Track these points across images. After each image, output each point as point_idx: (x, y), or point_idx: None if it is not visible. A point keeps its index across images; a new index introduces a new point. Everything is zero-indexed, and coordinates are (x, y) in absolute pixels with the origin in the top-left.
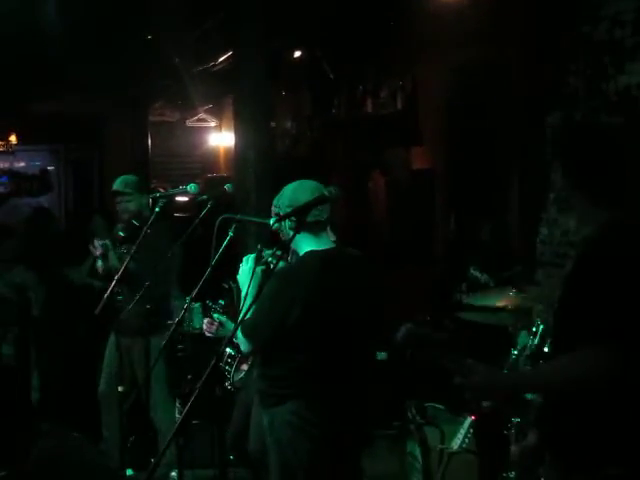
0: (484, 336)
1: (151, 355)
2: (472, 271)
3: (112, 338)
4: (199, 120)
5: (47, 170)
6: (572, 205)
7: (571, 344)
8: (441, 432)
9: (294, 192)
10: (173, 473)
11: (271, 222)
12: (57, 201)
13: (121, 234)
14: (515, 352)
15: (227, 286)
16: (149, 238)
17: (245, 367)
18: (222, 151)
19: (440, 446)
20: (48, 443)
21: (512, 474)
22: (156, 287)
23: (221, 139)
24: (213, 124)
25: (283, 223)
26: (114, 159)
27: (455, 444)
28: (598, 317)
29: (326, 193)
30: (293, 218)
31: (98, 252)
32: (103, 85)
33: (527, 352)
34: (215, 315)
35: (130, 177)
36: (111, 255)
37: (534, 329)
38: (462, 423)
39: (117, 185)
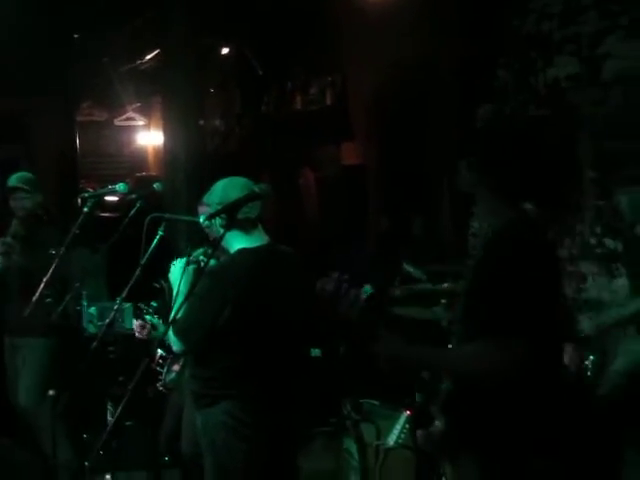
0: (418, 331)
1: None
2: (405, 266)
3: (38, 342)
4: (127, 119)
5: None
6: (477, 199)
7: (474, 334)
8: (377, 428)
9: (224, 189)
10: (108, 476)
11: (201, 220)
12: None
13: (19, 232)
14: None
15: (159, 286)
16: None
17: (177, 368)
18: (151, 150)
19: (376, 442)
20: None
21: (449, 469)
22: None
23: (150, 138)
24: (142, 123)
25: (213, 221)
26: (42, 158)
27: (391, 440)
28: (498, 311)
29: (256, 190)
30: (223, 215)
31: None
32: (29, 84)
33: None
34: (147, 317)
35: (27, 174)
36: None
37: None
38: (397, 419)
39: (14, 181)
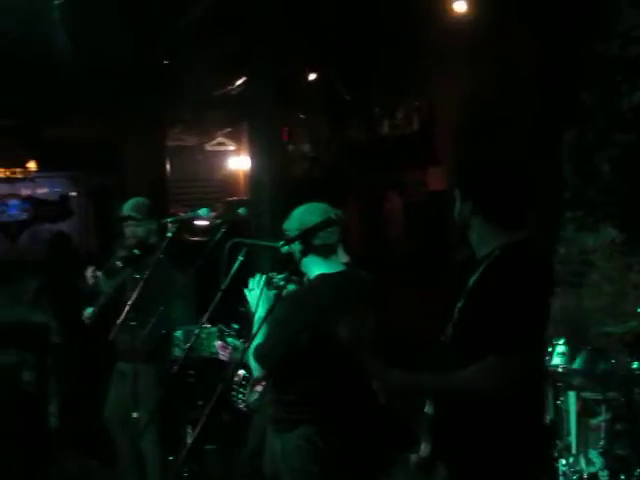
0: None
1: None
2: None
3: (122, 364)
4: (218, 144)
5: (67, 196)
6: (471, 228)
7: (471, 353)
8: None
9: (302, 215)
10: None
11: (280, 246)
12: (77, 227)
13: (118, 264)
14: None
15: (244, 309)
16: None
17: (259, 388)
18: (241, 175)
19: None
20: (64, 471)
21: None
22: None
23: (240, 163)
24: (232, 148)
25: (293, 246)
26: (133, 183)
27: None
28: (499, 329)
29: (332, 216)
30: (300, 241)
31: (90, 282)
32: (121, 111)
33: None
34: (229, 339)
35: (142, 200)
36: (101, 286)
37: (550, 349)
38: None
39: (127, 209)
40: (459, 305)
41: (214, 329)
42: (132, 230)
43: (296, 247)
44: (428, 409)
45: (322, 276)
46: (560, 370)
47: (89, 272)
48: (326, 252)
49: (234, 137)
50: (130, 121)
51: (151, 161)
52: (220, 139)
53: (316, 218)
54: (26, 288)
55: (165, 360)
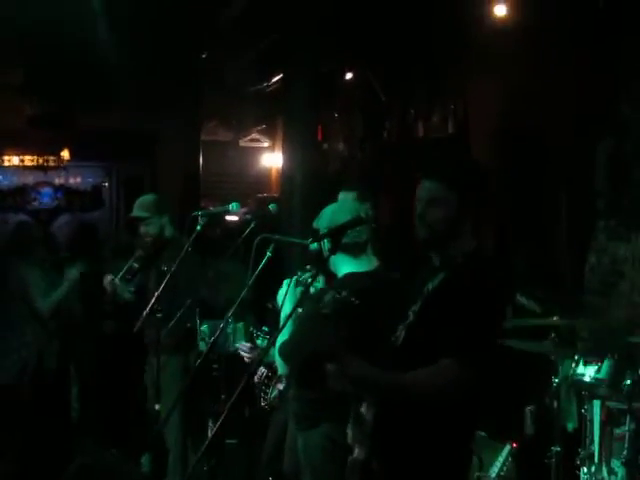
0: (527, 363)
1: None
2: (518, 297)
3: (172, 359)
4: (252, 140)
5: (99, 186)
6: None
7: (425, 356)
8: (479, 459)
9: (333, 213)
10: None
11: (309, 243)
12: (109, 217)
13: (135, 265)
14: (557, 380)
15: (271, 306)
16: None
17: (281, 386)
18: (274, 172)
19: (478, 474)
20: (85, 460)
21: None
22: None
23: (273, 160)
24: (266, 144)
25: (323, 244)
26: (166, 176)
27: (493, 472)
28: (457, 334)
29: (362, 215)
30: (330, 239)
31: (108, 289)
32: (157, 103)
33: (569, 381)
34: (258, 341)
35: (147, 198)
36: (119, 290)
37: (576, 358)
38: (501, 450)
39: (135, 210)
40: (414, 308)
41: (240, 325)
42: (144, 229)
43: (326, 245)
44: (365, 412)
45: (350, 274)
46: (586, 379)
47: (107, 280)
48: (355, 251)
49: (268, 134)
50: (166, 114)
51: (185, 154)
52: (254, 135)
53: (346, 216)
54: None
55: (191, 353)
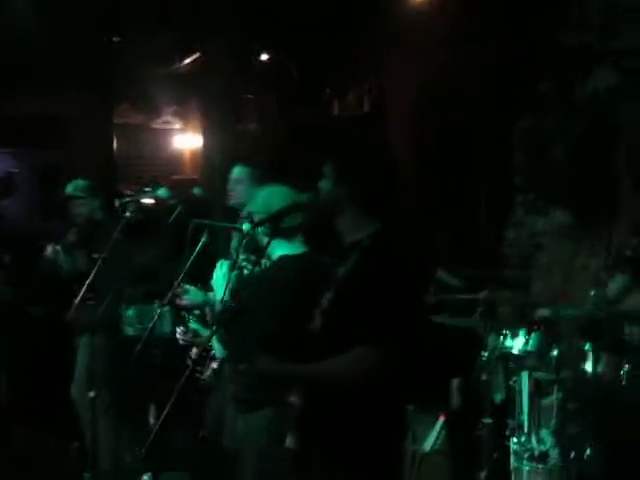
0: (454, 338)
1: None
2: (440, 273)
3: (84, 340)
4: (164, 122)
5: (11, 173)
6: (342, 211)
7: (339, 343)
8: (413, 433)
9: (268, 198)
10: (145, 477)
11: (244, 227)
12: (23, 205)
13: (72, 238)
14: (485, 354)
15: (202, 291)
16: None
17: (215, 365)
18: (188, 153)
19: (412, 447)
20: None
21: (483, 474)
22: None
23: (186, 141)
24: (178, 126)
25: (257, 229)
26: (80, 162)
27: (427, 445)
28: (369, 320)
29: (300, 200)
30: (267, 224)
31: (50, 256)
32: (67, 87)
33: (497, 354)
34: (190, 324)
35: (81, 181)
36: (61, 261)
37: (503, 331)
38: (433, 424)
39: (69, 189)
40: (328, 295)
41: (166, 308)
42: (78, 209)
43: (260, 229)
44: (295, 400)
45: (285, 257)
46: (514, 352)
47: (49, 248)
48: (290, 234)
49: (180, 115)
50: (78, 97)
51: (98, 139)
52: (166, 117)
53: (281, 202)
54: None
55: (118, 339)
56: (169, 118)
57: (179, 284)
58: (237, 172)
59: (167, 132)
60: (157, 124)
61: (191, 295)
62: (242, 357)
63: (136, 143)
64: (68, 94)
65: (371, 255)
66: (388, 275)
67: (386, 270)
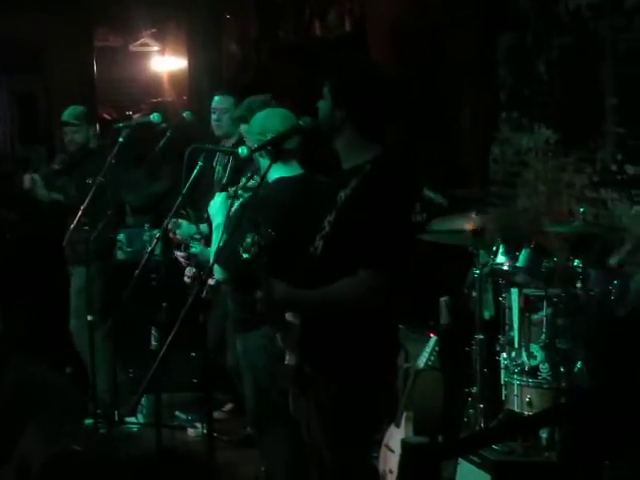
0: (444, 256)
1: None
2: (426, 191)
3: (81, 269)
4: (142, 45)
5: None
6: (342, 135)
7: (341, 266)
8: (405, 351)
9: (265, 120)
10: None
11: (241, 151)
12: (1, 133)
13: (56, 167)
14: (477, 271)
15: (184, 212)
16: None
17: (212, 282)
18: (166, 76)
19: (406, 364)
20: (11, 375)
21: (475, 389)
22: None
23: (165, 64)
24: (156, 49)
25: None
26: (60, 87)
27: (421, 362)
28: (372, 244)
29: (301, 123)
30: (268, 148)
31: (26, 185)
32: (44, 10)
33: (487, 270)
34: (192, 246)
35: (78, 108)
36: (37, 189)
37: (494, 248)
38: (425, 341)
39: (65, 116)
40: (329, 218)
41: (156, 231)
42: (71, 137)
43: (258, 153)
44: (294, 319)
45: (281, 179)
46: (504, 268)
47: (27, 177)
48: (287, 157)
49: (158, 37)
50: (56, 20)
51: (79, 62)
52: (144, 40)
53: (280, 123)
54: None
55: (112, 263)
56: (147, 41)
57: (174, 215)
58: (220, 101)
59: (145, 55)
60: (135, 47)
61: (183, 229)
62: (251, 284)
63: (114, 66)
64: (45, 17)
65: (372, 181)
66: (389, 200)
67: (387, 196)
